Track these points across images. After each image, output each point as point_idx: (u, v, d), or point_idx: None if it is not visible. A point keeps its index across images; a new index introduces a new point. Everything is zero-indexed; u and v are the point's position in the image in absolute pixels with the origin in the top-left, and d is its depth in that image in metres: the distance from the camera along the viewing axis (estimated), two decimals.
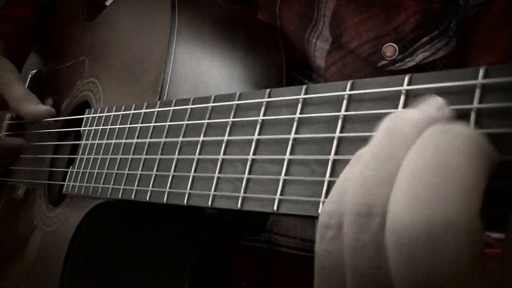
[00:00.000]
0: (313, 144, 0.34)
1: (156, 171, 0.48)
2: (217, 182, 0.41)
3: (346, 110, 0.32)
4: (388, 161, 0.25)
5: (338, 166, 0.32)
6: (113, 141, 0.56)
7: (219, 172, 0.41)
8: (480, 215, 0.22)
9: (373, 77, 0.32)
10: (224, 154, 0.41)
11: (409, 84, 0.29)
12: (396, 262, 0.23)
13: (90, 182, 0.59)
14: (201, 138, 0.43)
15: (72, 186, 0.63)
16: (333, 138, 0.33)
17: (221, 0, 0.70)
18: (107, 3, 0.82)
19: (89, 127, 0.63)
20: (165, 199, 0.46)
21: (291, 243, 0.67)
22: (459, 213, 0.22)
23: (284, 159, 0.36)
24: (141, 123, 0.52)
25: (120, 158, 0.54)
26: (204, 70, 0.59)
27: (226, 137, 0.41)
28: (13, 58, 0.86)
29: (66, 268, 0.62)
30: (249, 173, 0.38)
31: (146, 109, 0.53)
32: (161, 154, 0.48)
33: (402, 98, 0.29)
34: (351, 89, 0.32)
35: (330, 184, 0.32)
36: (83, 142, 0.63)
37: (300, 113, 0.35)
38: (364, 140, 0.31)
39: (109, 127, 0.58)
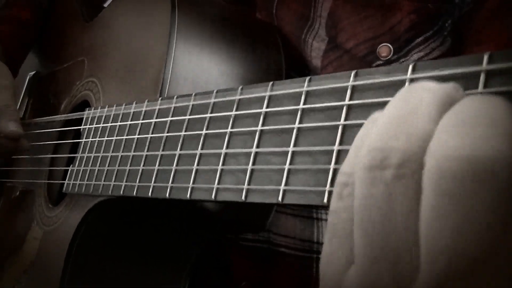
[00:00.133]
0: (317, 134, 0.34)
1: (158, 166, 0.48)
2: (220, 175, 0.41)
3: (350, 100, 0.32)
4: (405, 119, 0.25)
5: (342, 155, 0.32)
6: (114, 137, 0.56)
7: (222, 165, 0.41)
8: None
9: None
10: (227, 148, 0.41)
11: (413, 72, 0.29)
12: (435, 198, 0.23)
13: (91, 180, 0.59)
14: (204, 132, 0.43)
15: (73, 184, 0.63)
16: (337, 127, 0.33)
17: (221, 0, 0.70)
18: (106, 4, 0.82)
19: (89, 125, 0.63)
20: (167, 194, 0.46)
21: (290, 244, 0.67)
22: (506, 150, 0.22)
23: (288, 151, 0.36)
24: (143, 120, 0.53)
25: (122, 155, 0.54)
26: (204, 69, 0.59)
27: (229, 129, 0.41)
28: (12, 58, 0.86)
29: (66, 267, 0.62)
30: (253, 165, 0.38)
31: (147, 105, 0.53)
32: (163, 150, 0.48)
33: (407, 86, 0.29)
34: (354, 79, 0.33)
35: (335, 173, 0.32)
36: (83, 140, 0.63)
37: (304, 105, 0.36)
38: None
39: (109, 124, 0.58)
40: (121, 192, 0.53)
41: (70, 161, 0.68)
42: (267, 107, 0.39)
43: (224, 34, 0.62)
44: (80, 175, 0.62)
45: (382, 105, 0.29)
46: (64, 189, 0.66)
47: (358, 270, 0.26)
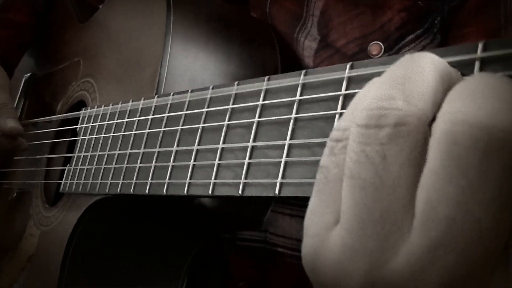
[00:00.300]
0: (313, 127, 0.35)
1: (155, 162, 0.48)
2: (217, 170, 0.41)
3: (346, 90, 0.33)
4: (405, 82, 0.24)
5: None
6: (111, 134, 0.56)
7: (219, 160, 0.41)
8: None
9: None
10: (223, 142, 0.41)
11: None
12: (441, 163, 0.22)
13: (87, 179, 0.59)
14: (201, 125, 0.43)
15: (69, 184, 0.63)
16: (333, 118, 0.33)
17: None
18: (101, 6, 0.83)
19: (86, 124, 0.63)
20: (164, 190, 0.46)
21: (287, 244, 0.67)
22: None
23: (284, 144, 0.36)
24: (139, 117, 0.53)
25: (119, 153, 0.54)
26: (200, 67, 0.59)
27: (225, 123, 0.41)
28: (7, 60, 0.86)
29: (63, 267, 0.62)
30: (250, 159, 0.38)
31: (143, 103, 0.53)
32: (160, 146, 0.48)
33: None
34: (350, 71, 0.33)
35: None
36: (80, 138, 0.63)
37: (300, 97, 0.36)
38: None
39: (106, 122, 0.58)
40: (118, 190, 0.53)
41: (67, 161, 0.68)
42: (263, 100, 0.39)
43: (220, 33, 0.63)
44: (77, 175, 0.61)
45: None
46: (61, 189, 0.66)
47: (343, 231, 0.25)
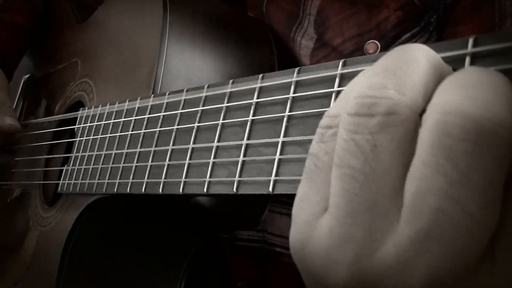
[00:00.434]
0: (307, 124, 0.35)
1: (152, 161, 0.48)
2: (212, 168, 0.41)
3: (339, 87, 0.33)
4: (396, 71, 0.24)
5: None
6: (108, 135, 0.56)
7: (214, 158, 0.41)
8: None
9: None
10: (218, 141, 0.41)
11: None
12: (432, 153, 0.22)
13: (85, 179, 0.59)
14: (196, 124, 0.43)
15: (67, 184, 0.63)
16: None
17: None
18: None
19: (83, 124, 0.63)
20: (160, 189, 0.46)
21: (285, 243, 0.67)
22: (508, 117, 0.21)
23: (278, 141, 0.36)
24: (135, 116, 0.53)
25: (115, 152, 0.54)
26: (197, 66, 0.59)
27: (220, 121, 0.41)
28: (6, 62, 0.86)
29: (62, 267, 0.62)
30: (244, 157, 0.38)
31: (140, 102, 0.53)
32: (156, 145, 0.48)
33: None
34: (343, 68, 0.33)
35: None
36: (77, 139, 0.63)
37: (293, 94, 0.36)
38: None
39: (103, 122, 0.59)
40: (115, 190, 0.53)
41: (66, 161, 0.68)
42: (257, 98, 0.39)
43: (217, 32, 0.63)
44: (74, 175, 0.62)
45: None
46: (59, 189, 0.66)
47: (332, 219, 0.25)
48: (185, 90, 0.47)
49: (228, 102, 0.41)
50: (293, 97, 0.36)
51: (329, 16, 0.63)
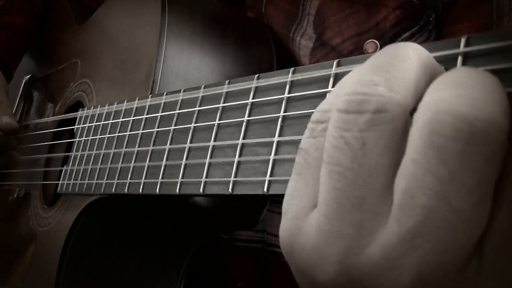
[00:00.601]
0: (302, 124, 0.35)
1: (149, 162, 0.48)
2: (208, 168, 0.41)
3: (334, 87, 0.33)
4: (387, 68, 0.24)
5: None
6: (106, 135, 0.57)
7: (210, 159, 0.41)
8: None
9: None
10: (214, 140, 0.41)
11: None
12: (422, 152, 0.22)
13: (84, 179, 0.59)
14: (193, 125, 0.44)
15: (66, 184, 0.63)
16: None
17: None
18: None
19: (82, 124, 0.63)
20: (157, 190, 0.46)
21: None
22: (500, 117, 0.21)
23: (273, 141, 0.36)
24: (134, 117, 0.53)
25: (114, 152, 0.54)
26: (195, 66, 0.59)
27: (216, 121, 0.41)
28: (6, 62, 0.86)
29: (61, 267, 0.62)
30: (240, 157, 0.38)
31: (138, 103, 0.53)
32: (153, 145, 0.48)
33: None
34: (337, 68, 0.33)
35: None
36: (76, 139, 0.64)
37: (288, 94, 0.36)
38: None
39: (102, 123, 0.59)
40: (113, 190, 0.53)
41: (65, 161, 0.68)
42: (253, 98, 0.39)
43: (216, 32, 0.63)
44: (73, 175, 0.62)
45: None
46: (58, 189, 0.66)
47: (320, 215, 0.25)
48: (182, 90, 0.47)
49: (224, 102, 0.41)
50: (288, 97, 0.36)
51: (328, 15, 0.63)
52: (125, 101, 0.55)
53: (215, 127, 0.41)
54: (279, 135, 0.36)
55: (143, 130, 0.50)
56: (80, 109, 0.67)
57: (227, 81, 0.42)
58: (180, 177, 0.44)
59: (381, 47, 0.59)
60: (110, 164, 0.54)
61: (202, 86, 0.44)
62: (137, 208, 0.62)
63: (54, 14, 0.93)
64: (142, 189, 0.48)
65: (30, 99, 0.92)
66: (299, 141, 0.34)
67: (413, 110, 0.24)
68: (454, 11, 0.56)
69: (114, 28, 0.70)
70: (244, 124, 0.39)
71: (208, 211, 0.62)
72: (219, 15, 0.66)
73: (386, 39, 0.59)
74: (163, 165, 0.46)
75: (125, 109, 0.55)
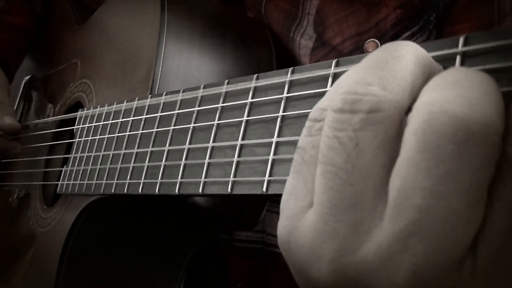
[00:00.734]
0: (300, 124, 0.35)
1: (148, 162, 0.48)
2: (207, 169, 0.41)
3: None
4: (383, 67, 0.24)
5: None
6: (106, 136, 0.57)
7: (209, 159, 0.41)
8: None
9: None
10: (214, 141, 0.41)
11: None
12: (417, 152, 0.22)
13: (83, 180, 0.59)
14: (192, 125, 0.44)
15: (66, 185, 0.63)
16: None
17: None
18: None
19: (82, 125, 0.63)
20: (157, 190, 0.46)
21: None
22: (496, 118, 0.21)
23: (272, 141, 0.36)
24: (133, 117, 0.53)
25: (113, 153, 0.54)
26: (195, 66, 0.59)
27: (215, 122, 0.41)
28: (7, 63, 0.86)
29: (60, 267, 0.62)
30: (239, 157, 0.38)
31: (137, 103, 0.53)
32: (152, 145, 0.48)
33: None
34: (336, 67, 0.33)
35: None
36: (76, 140, 0.64)
37: (287, 94, 0.36)
38: None
39: (101, 123, 0.59)
40: (113, 190, 0.53)
41: (65, 162, 0.68)
42: (252, 98, 0.39)
43: (215, 33, 0.63)
44: (73, 175, 0.62)
45: None
46: (58, 189, 0.66)
47: (315, 214, 0.25)
48: (181, 90, 0.47)
49: (223, 102, 0.41)
50: (287, 97, 0.36)
51: (328, 15, 0.63)
52: (125, 101, 0.55)
53: (214, 127, 0.41)
54: (278, 135, 0.36)
55: (142, 130, 0.50)
56: (80, 109, 0.67)
57: (226, 81, 0.42)
58: (179, 177, 0.44)
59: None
60: (110, 164, 0.54)
61: (202, 86, 0.44)
62: (136, 208, 0.62)
63: (54, 14, 0.93)
64: (142, 189, 0.48)
65: (30, 100, 0.92)
66: (298, 141, 0.34)
67: (409, 109, 0.24)
68: (454, 11, 0.56)
69: (114, 28, 0.70)
70: (243, 124, 0.39)
71: (208, 211, 0.62)
72: (219, 15, 0.66)
73: (387, 39, 0.59)
74: (162, 165, 0.46)
75: (124, 109, 0.55)
